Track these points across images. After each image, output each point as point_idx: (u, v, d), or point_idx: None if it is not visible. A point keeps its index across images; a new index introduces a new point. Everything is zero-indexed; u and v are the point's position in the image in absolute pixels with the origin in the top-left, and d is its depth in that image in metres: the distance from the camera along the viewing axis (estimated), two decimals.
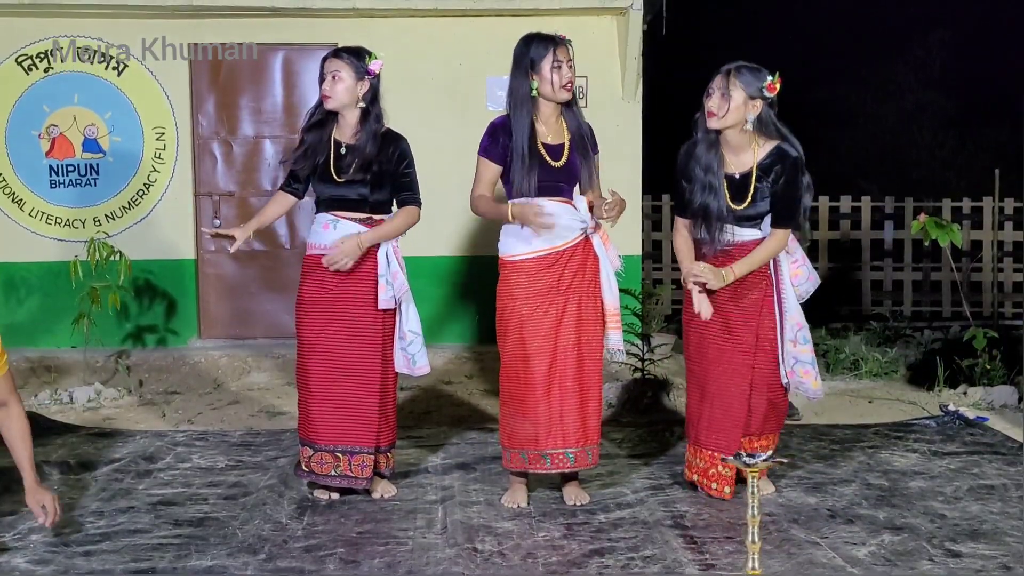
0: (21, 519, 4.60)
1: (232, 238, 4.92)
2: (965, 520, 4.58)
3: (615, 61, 8.27)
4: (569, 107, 4.85)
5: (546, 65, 4.72)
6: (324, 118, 4.90)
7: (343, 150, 4.85)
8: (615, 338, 4.91)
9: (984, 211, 11.46)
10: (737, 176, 4.79)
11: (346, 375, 4.84)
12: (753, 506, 3.85)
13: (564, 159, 4.79)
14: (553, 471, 4.86)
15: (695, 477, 4.98)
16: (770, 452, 4.37)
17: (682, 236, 4.98)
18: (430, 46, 8.19)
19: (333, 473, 4.86)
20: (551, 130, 4.81)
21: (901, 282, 11.47)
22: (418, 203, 4.95)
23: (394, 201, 4.96)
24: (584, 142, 4.84)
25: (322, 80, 4.84)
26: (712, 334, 4.87)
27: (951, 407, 6.58)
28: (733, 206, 4.78)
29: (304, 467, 4.90)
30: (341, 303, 4.84)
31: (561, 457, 4.80)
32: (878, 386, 7.64)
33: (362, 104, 4.84)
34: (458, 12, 8.10)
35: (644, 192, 8.77)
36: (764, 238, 4.81)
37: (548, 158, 4.76)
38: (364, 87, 4.82)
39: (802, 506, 4.79)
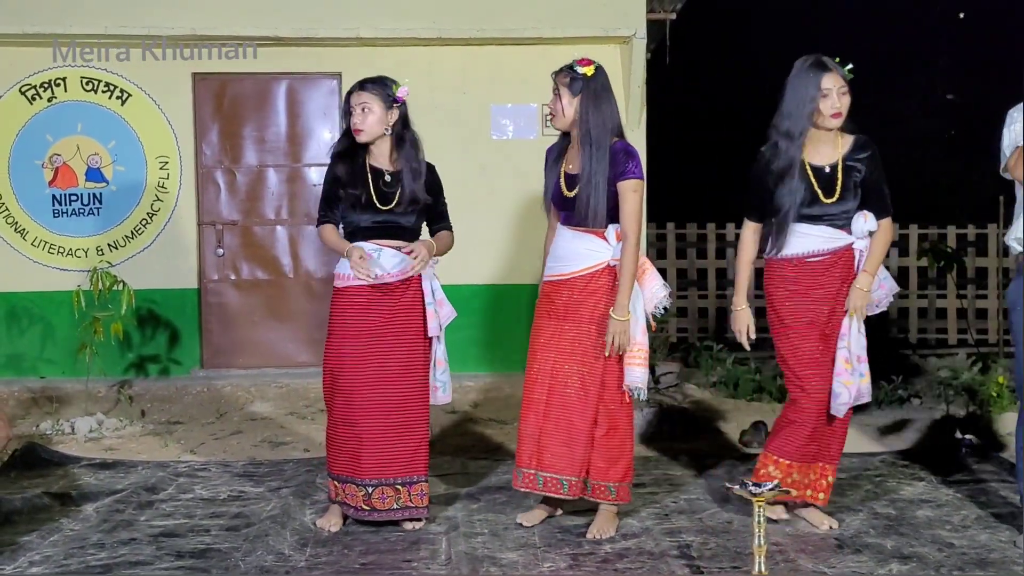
0: (21, 550, 4.57)
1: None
2: (973, 549, 4.54)
3: (619, 90, 8.16)
4: (585, 142, 4.71)
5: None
6: (350, 148, 4.86)
7: (387, 178, 4.85)
8: (634, 374, 4.72)
9: (989, 238, 11.44)
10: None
11: (399, 406, 4.80)
12: (759, 536, 3.82)
13: (575, 192, 4.77)
14: (522, 489, 4.86)
15: None
16: (776, 483, 4.35)
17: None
18: (434, 75, 8.19)
19: (396, 507, 4.80)
20: (573, 159, 4.83)
21: (907, 309, 11.44)
22: (451, 230, 5.11)
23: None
24: (594, 180, 4.66)
25: (349, 114, 4.81)
26: None
27: (958, 435, 6.54)
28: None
29: (363, 506, 4.79)
30: (389, 335, 4.80)
31: (531, 477, 4.79)
32: (884, 414, 7.59)
33: (389, 131, 4.86)
34: (461, 41, 8.11)
35: (648, 220, 8.76)
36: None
37: (563, 185, 4.83)
38: (394, 115, 4.86)
39: (809, 535, 4.76)
